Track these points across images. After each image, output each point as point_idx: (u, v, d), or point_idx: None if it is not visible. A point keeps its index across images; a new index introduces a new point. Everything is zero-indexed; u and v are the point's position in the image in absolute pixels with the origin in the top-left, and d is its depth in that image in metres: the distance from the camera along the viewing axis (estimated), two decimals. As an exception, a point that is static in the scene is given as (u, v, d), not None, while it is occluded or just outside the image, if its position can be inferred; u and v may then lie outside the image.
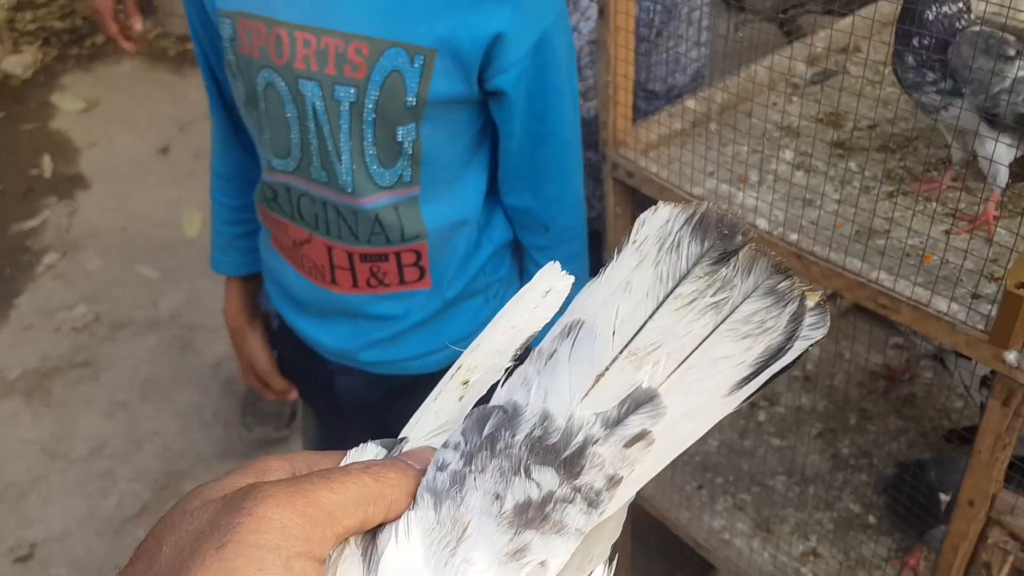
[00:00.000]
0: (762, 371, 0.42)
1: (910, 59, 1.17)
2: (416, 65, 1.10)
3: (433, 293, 1.29)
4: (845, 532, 1.49)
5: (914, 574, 1.42)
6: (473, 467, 0.43)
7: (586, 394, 0.42)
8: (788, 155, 1.32)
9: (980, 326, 1.02)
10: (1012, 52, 1.07)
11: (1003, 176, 1.14)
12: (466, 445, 0.43)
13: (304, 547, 0.37)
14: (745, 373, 0.42)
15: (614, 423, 0.42)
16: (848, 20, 1.39)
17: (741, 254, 0.42)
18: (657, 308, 0.42)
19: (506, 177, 1.29)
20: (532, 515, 0.42)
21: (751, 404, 1.68)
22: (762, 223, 1.20)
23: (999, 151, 1.11)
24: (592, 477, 0.42)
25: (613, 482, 0.42)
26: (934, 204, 1.19)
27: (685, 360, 0.42)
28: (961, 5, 1.16)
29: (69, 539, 2.41)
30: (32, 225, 3.50)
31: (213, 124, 1.39)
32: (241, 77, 1.17)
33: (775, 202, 1.22)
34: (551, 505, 0.42)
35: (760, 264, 0.42)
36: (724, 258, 0.42)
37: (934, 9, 1.14)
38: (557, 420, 0.42)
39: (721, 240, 0.42)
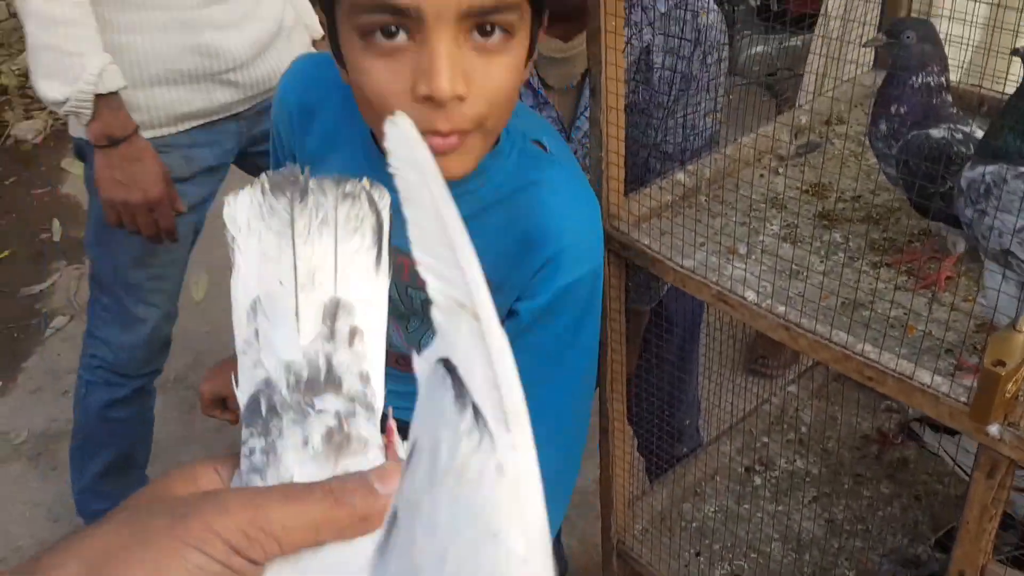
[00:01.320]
0: (382, 244, 0.54)
1: (883, 127, 1.21)
2: None
3: None
4: (843, 598, 1.49)
5: None
6: (272, 434, 0.49)
7: (299, 332, 0.51)
8: (775, 227, 1.35)
9: (963, 399, 1.03)
10: (956, 165, 1.12)
11: (961, 243, 1.19)
12: (257, 426, 0.50)
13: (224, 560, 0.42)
14: (374, 251, 0.53)
15: (331, 335, 0.51)
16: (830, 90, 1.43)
17: (311, 185, 0.53)
18: (294, 248, 0.52)
19: None
20: (338, 439, 0.48)
21: (747, 470, 1.70)
22: (751, 295, 1.22)
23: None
24: (351, 382, 0.50)
25: (364, 378, 0.51)
26: (915, 276, 1.21)
27: (336, 265, 0.52)
28: (942, 80, 1.19)
29: (74, 605, 2.41)
30: (41, 288, 3.54)
31: None
32: None
33: (763, 274, 1.25)
34: (346, 423, 0.49)
35: (327, 184, 0.53)
36: (304, 194, 0.53)
37: (919, 76, 1.18)
38: (297, 362, 0.50)
39: (292, 185, 0.53)
